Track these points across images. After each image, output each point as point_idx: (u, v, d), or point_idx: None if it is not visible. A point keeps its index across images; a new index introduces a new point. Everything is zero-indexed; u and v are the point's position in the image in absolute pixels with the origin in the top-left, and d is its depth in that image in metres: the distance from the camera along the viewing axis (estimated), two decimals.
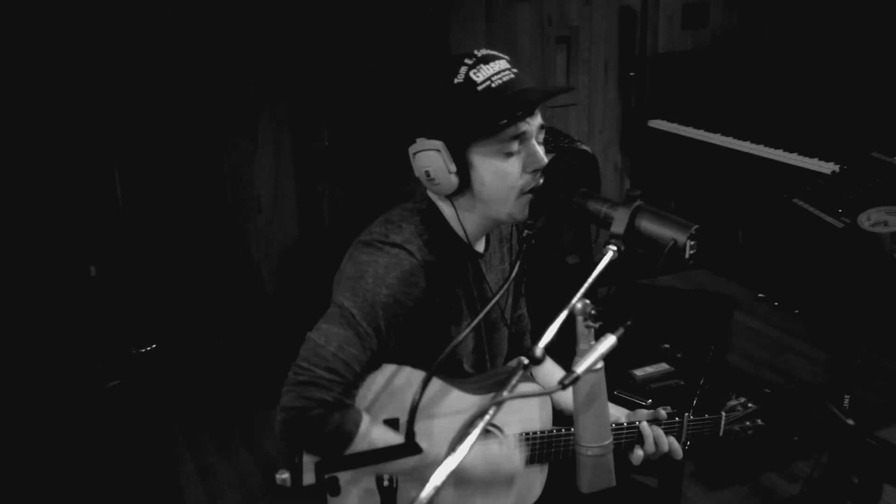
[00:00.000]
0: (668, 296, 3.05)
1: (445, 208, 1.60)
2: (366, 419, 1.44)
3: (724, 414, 1.84)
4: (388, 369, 1.50)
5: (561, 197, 1.46)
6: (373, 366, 1.46)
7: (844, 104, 3.47)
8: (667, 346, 2.49)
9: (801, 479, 2.88)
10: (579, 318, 1.38)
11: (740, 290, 4.22)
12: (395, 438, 1.46)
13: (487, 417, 1.09)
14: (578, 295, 1.30)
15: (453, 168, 1.49)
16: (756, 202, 3.69)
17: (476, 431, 1.06)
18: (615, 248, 1.36)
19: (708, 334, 2.66)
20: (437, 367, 1.26)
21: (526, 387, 1.63)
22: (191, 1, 3.39)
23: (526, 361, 1.18)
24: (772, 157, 3.62)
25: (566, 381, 1.19)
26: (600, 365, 1.39)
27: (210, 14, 3.43)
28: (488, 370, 1.72)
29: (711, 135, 3.95)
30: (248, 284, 3.83)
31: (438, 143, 1.49)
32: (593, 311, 1.37)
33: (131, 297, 3.58)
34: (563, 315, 1.26)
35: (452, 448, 1.05)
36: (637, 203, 1.39)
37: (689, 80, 4.27)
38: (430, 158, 1.50)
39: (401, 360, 1.53)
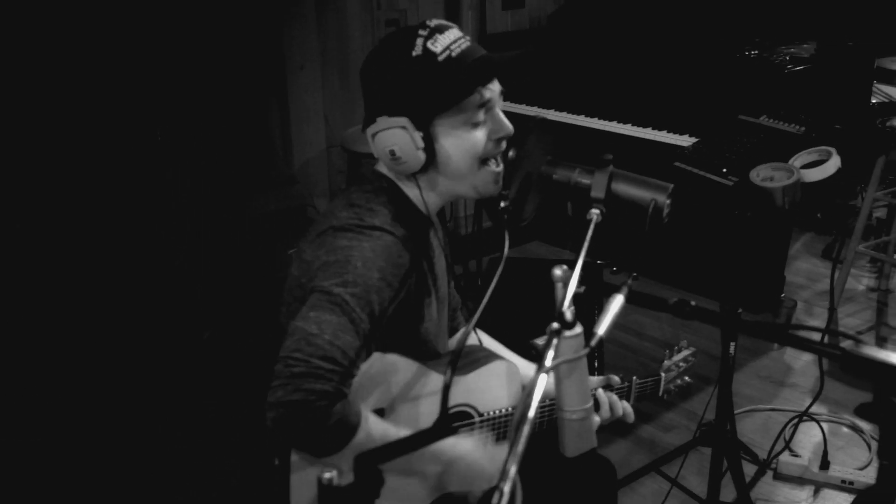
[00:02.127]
0: (538, 267, 3.14)
1: (406, 187, 1.56)
2: (363, 410, 1.38)
3: (663, 374, 1.93)
4: (371, 357, 1.45)
5: (530, 167, 1.47)
6: (366, 353, 1.40)
7: (667, 78, 3.70)
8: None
9: (675, 429, 3.08)
10: (559, 285, 1.39)
11: (573, 257, 4.42)
12: (390, 429, 1.41)
13: (539, 388, 1.08)
14: (580, 262, 1.31)
15: (421, 143, 1.46)
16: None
17: (537, 393, 1.04)
18: (598, 211, 1.39)
19: (589, 300, 2.77)
20: (457, 352, 1.23)
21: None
22: None
23: (557, 326, 1.18)
24: (608, 129, 3.78)
25: (592, 343, 1.21)
26: (579, 330, 1.41)
27: None
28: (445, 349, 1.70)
29: (545, 111, 4.08)
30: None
31: (403, 120, 1.45)
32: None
33: None
34: (576, 279, 1.27)
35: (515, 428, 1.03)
36: (611, 168, 1.42)
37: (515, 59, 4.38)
38: (395, 136, 1.46)
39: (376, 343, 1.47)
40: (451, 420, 1.22)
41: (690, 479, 2.76)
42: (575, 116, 3.95)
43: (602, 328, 1.22)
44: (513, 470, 0.95)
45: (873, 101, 3.87)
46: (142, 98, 3.47)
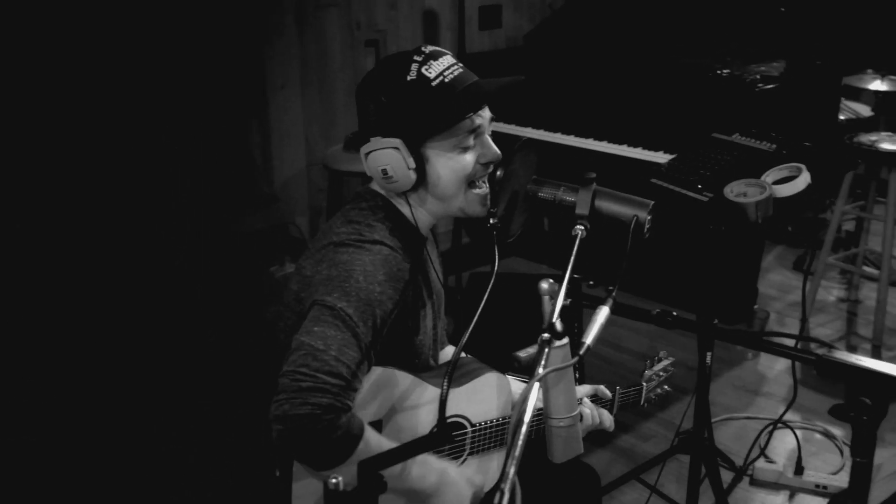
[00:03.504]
0: (518, 282, 3.20)
1: (399, 204, 1.62)
2: (365, 424, 1.43)
3: (644, 384, 2.00)
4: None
5: (517, 185, 1.54)
6: (367, 365, 1.45)
7: (642, 96, 3.80)
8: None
9: (654, 438, 3.15)
10: (545, 298, 1.46)
11: (551, 272, 4.50)
12: (384, 441, 1.46)
13: (533, 395, 1.14)
14: (567, 276, 1.37)
15: (412, 164, 1.52)
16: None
17: (532, 400, 1.11)
18: (583, 227, 1.46)
19: (571, 313, 2.83)
20: (452, 364, 1.29)
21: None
22: None
23: (548, 336, 1.24)
24: (584, 146, 3.87)
25: (581, 351, 1.27)
26: (566, 340, 1.48)
27: None
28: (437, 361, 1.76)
29: (523, 129, 4.17)
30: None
31: (396, 141, 1.51)
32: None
33: None
34: (563, 292, 1.33)
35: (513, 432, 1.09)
36: (594, 185, 1.49)
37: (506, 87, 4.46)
38: (388, 156, 1.53)
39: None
40: (449, 429, 1.28)
41: (669, 486, 2.83)
42: (552, 134, 4.03)
43: (589, 337, 1.28)
44: (512, 471, 1.01)
45: (841, 118, 4.00)
46: (139, 103, 3.50)
